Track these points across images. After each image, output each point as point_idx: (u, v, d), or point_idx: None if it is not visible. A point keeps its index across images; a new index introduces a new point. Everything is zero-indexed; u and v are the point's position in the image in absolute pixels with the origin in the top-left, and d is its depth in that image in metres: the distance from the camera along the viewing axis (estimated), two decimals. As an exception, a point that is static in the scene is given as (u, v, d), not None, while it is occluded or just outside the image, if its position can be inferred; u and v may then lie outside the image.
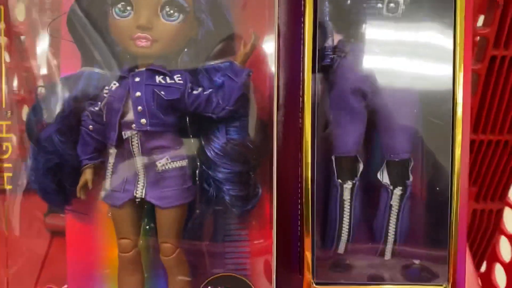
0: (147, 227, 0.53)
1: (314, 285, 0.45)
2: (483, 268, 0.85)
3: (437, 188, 0.45)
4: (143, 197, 0.50)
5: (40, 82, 0.59)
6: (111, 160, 0.51)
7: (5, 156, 0.54)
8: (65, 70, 0.57)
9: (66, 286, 0.57)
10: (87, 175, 0.51)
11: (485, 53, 0.63)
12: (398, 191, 0.46)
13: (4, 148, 0.55)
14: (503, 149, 0.70)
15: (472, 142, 0.70)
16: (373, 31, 0.45)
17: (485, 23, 0.63)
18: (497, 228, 0.77)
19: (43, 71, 0.59)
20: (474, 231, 0.77)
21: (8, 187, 0.55)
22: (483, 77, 0.65)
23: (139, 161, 0.50)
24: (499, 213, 0.77)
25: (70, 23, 0.51)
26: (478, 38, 0.64)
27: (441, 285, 0.45)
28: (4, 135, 0.56)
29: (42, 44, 0.58)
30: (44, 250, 0.62)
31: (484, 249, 0.80)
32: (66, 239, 0.56)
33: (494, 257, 0.81)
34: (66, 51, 0.56)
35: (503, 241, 0.81)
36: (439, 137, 0.45)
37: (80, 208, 0.55)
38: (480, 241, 0.78)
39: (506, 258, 0.80)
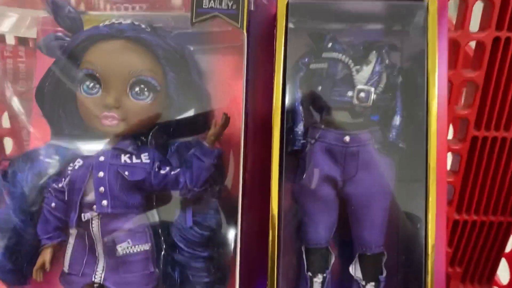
0: (106, 313, 0.50)
1: None
2: None
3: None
4: (101, 282, 0.47)
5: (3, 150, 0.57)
6: (71, 241, 0.49)
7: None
8: (34, 142, 0.56)
9: None
10: (45, 255, 0.49)
11: (467, 133, 0.62)
12: (370, 287, 0.44)
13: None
14: (488, 229, 0.68)
15: (456, 223, 0.68)
16: (343, 119, 0.43)
17: (465, 104, 0.62)
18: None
19: (9, 143, 0.58)
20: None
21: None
22: (465, 157, 0.64)
23: (99, 243, 0.47)
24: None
25: (39, 96, 0.50)
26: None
27: None
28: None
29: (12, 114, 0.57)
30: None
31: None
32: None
33: None
34: (37, 123, 0.55)
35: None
36: (414, 228, 0.43)
37: (39, 288, 0.52)
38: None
39: None
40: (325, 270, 0.44)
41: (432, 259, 0.40)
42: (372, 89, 0.42)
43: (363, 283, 0.44)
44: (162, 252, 0.50)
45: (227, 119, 0.48)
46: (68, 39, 0.50)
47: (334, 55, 0.43)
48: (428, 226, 0.40)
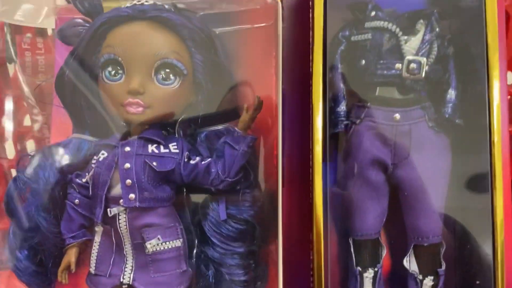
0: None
1: None
2: None
3: (477, 282, 0.37)
4: (130, 283, 0.44)
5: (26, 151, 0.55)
6: (97, 239, 0.45)
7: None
8: (55, 137, 0.53)
9: None
10: (70, 256, 0.45)
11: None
12: (428, 281, 0.39)
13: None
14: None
15: None
16: (391, 95, 0.39)
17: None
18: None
19: (30, 138, 0.56)
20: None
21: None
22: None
23: (127, 241, 0.44)
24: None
25: (59, 86, 0.47)
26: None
27: None
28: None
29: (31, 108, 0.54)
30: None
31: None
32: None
33: None
34: (58, 116, 0.52)
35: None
36: (476, 216, 0.38)
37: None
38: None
39: None
40: (376, 264, 0.40)
41: (502, 251, 0.35)
42: (424, 60, 0.38)
43: (420, 277, 0.39)
44: (195, 249, 0.46)
45: (260, 103, 0.44)
46: (87, 25, 0.47)
47: (380, 23, 0.39)
48: (495, 213, 0.35)
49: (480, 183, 0.37)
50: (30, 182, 0.47)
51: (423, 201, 0.38)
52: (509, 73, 0.65)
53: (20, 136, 0.60)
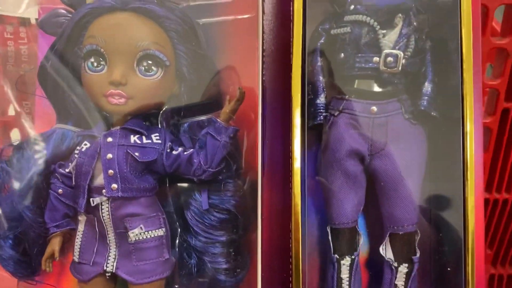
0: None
1: None
2: None
3: (448, 268, 0.38)
4: (113, 271, 0.44)
5: (10, 140, 0.55)
6: (80, 228, 0.46)
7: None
8: (39, 127, 0.53)
9: None
10: (54, 245, 0.46)
11: (496, 106, 0.58)
12: (403, 268, 0.40)
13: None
14: (520, 209, 0.64)
15: (485, 202, 0.64)
16: (369, 87, 0.40)
17: (494, 74, 0.58)
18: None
19: (14, 128, 0.56)
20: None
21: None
22: (495, 131, 0.60)
23: (110, 230, 0.44)
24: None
25: (42, 76, 0.47)
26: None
27: None
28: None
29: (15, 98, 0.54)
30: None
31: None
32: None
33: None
34: (41, 107, 0.52)
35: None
36: (449, 205, 0.39)
37: (50, 279, 0.50)
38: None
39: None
40: (353, 251, 0.41)
41: (473, 239, 0.36)
42: (401, 53, 0.39)
43: (396, 264, 0.40)
44: (177, 238, 0.47)
45: (242, 94, 0.44)
46: (70, 15, 0.47)
47: (359, 17, 0.39)
48: (467, 202, 0.36)
49: (453, 173, 0.38)
50: (13, 172, 0.47)
51: (398, 191, 0.40)
52: (489, 66, 0.67)
53: (4, 125, 0.60)
